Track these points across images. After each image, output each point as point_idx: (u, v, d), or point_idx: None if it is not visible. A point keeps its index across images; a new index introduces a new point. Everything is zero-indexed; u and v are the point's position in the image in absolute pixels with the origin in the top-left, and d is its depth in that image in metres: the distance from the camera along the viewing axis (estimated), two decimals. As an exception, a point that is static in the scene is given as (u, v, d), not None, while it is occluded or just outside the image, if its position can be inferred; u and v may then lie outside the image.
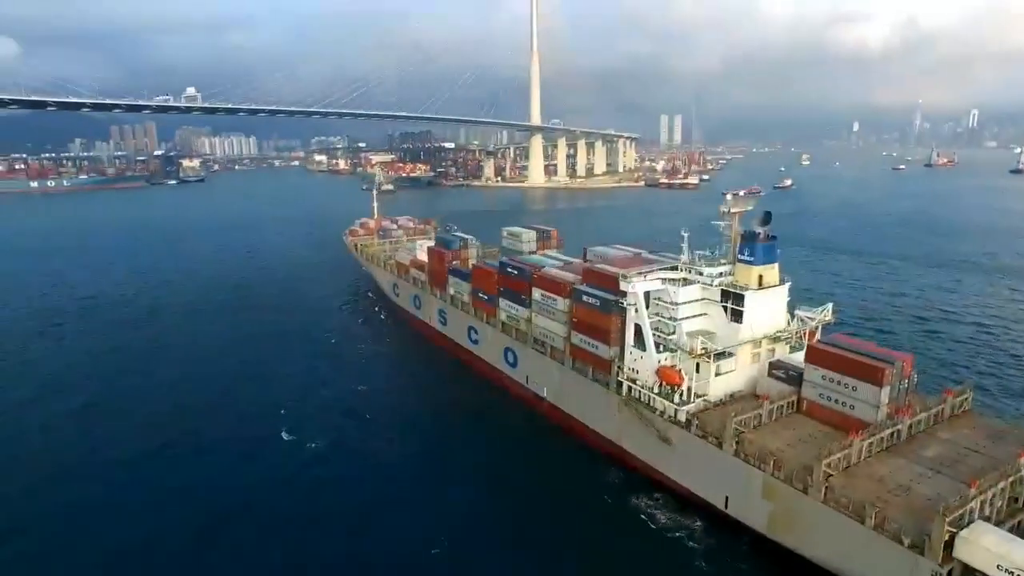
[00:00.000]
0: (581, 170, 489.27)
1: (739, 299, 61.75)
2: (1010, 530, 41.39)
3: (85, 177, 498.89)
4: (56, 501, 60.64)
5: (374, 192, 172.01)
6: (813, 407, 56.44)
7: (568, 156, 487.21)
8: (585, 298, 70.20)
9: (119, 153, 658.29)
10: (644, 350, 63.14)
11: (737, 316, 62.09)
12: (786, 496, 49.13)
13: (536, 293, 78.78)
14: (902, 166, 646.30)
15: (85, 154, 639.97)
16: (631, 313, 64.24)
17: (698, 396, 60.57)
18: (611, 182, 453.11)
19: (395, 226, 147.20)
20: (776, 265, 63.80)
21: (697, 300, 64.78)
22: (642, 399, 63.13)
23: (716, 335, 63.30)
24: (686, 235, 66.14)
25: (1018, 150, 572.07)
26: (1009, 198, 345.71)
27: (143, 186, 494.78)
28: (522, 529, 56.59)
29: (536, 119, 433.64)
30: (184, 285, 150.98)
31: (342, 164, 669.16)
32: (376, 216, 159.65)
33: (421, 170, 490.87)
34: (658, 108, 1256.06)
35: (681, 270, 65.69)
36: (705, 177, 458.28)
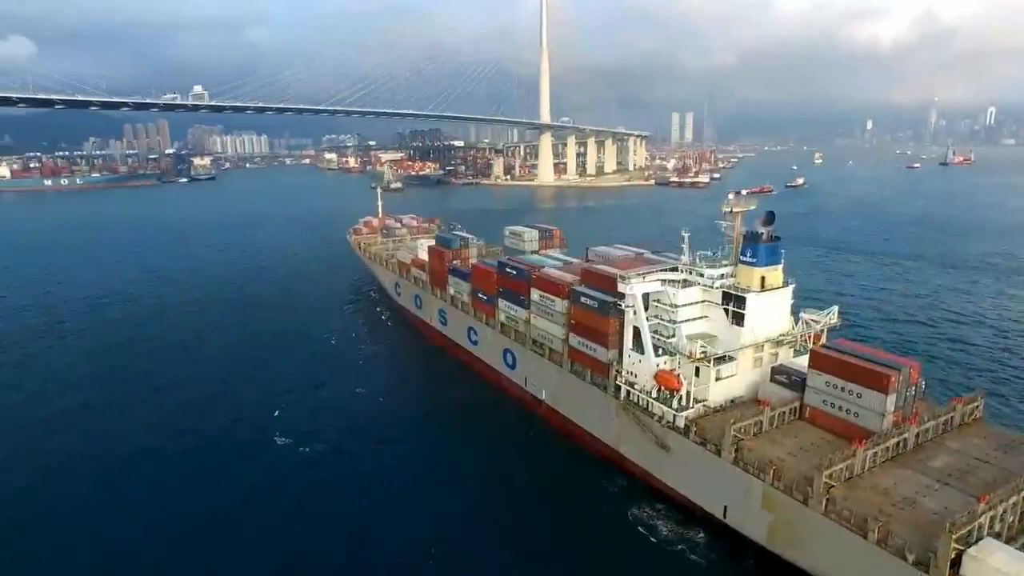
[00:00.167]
0: (591, 168, 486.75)
1: (740, 301, 59.86)
2: (1021, 548, 39.18)
3: (97, 175, 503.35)
4: (53, 501, 60.36)
5: (378, 190, 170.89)
6: (816, 414, 54.44)
7: (578, 154, 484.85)
8: (583, 299, 68.55)
9: (131, 151, 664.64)
10: (642, 353, 61.43)
11: (738, 319, 60.19)
12: (786, 507, 47.30)
13: (534, 294, 77.23)
14: (916, 164, 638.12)
15: (98, 152, 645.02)
16: (629, 315, 62.55)
17: (697, 401, 58.78)
18: (621, 181, 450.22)
19: (399, 225, 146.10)
20: (779, 267, 61.77)
21: (697, 302, 62.98)
22: (640, 404, 61.43)
23: (717, 338, 61.43)
24: (686, 235, 64.24)
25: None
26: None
27: (154, 184, 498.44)
28: (518, 539, 55.16)
29: (546, 117, 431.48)
30: (189, 283, 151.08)
31: (352, 162, 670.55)
32: (380, 214, 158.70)
33: (430, 168, 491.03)
34: (670, 106, 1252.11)
35: (681, 271, 63.87)
36: (716, 176, 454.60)
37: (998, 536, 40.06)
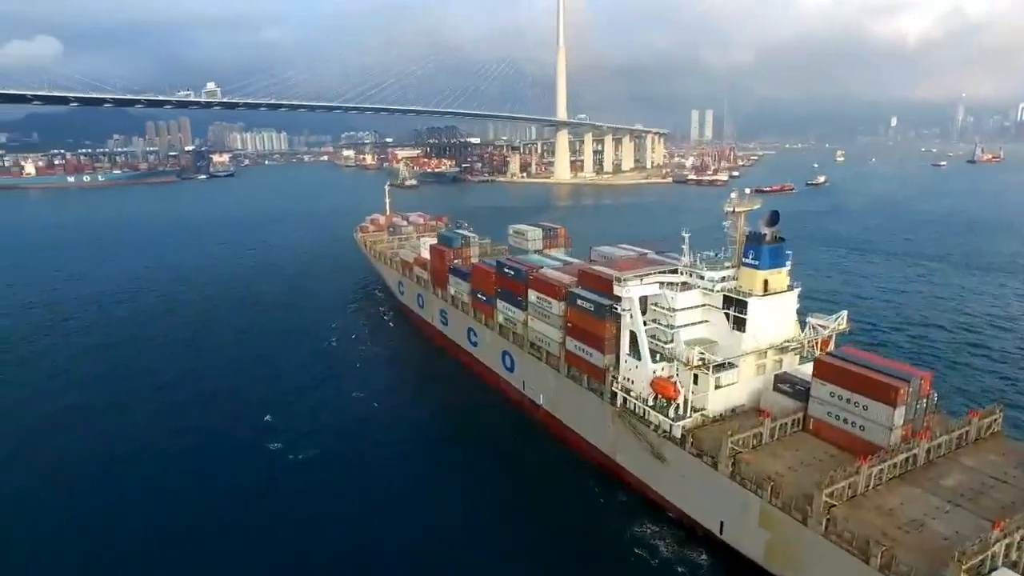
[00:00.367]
0: (608, 166, 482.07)
1: (742, 306, 56.75)
2: (1038, 579, 36.09)
3: (119, 172, 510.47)
4: (53, 500, 59.99)
5: (387, 187, 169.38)
6: (820, 426, 51.41)
7: (595, 152, 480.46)
8: (579, 302, 66.00)
9: (151, 149, 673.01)
10: (639, 359, 58.80)
11: (740, 324, 57.15)
12: (784, 526, 44.50)
13: (532, 295, 74.87)
14: (943, 162, 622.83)
15: (120, 150, 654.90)
16: (626, 319, 59.94)
17: (696, 410, 56.00)
18: (638, 178, 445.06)
19: (405, 222, 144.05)
20: (784, 269, 58.58)
21: (697, 306, 59.99)
22: (636, 412, 58.83)
23: (717, 344, 58.54)
24: (687, 235, 61.26)
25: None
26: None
27: (174, 181, 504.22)
28: (511, 557, 52.97)
29: (562, 114, 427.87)
30: (199, 281, 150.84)
31: (369, 159, 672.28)
32: (388, 212, 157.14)
33: (446, 165, 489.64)
34: (689, 103, 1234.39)
35: (681, 273, 60.91)
36: (735, 174, 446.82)
37: (1014, 566, 36.88)
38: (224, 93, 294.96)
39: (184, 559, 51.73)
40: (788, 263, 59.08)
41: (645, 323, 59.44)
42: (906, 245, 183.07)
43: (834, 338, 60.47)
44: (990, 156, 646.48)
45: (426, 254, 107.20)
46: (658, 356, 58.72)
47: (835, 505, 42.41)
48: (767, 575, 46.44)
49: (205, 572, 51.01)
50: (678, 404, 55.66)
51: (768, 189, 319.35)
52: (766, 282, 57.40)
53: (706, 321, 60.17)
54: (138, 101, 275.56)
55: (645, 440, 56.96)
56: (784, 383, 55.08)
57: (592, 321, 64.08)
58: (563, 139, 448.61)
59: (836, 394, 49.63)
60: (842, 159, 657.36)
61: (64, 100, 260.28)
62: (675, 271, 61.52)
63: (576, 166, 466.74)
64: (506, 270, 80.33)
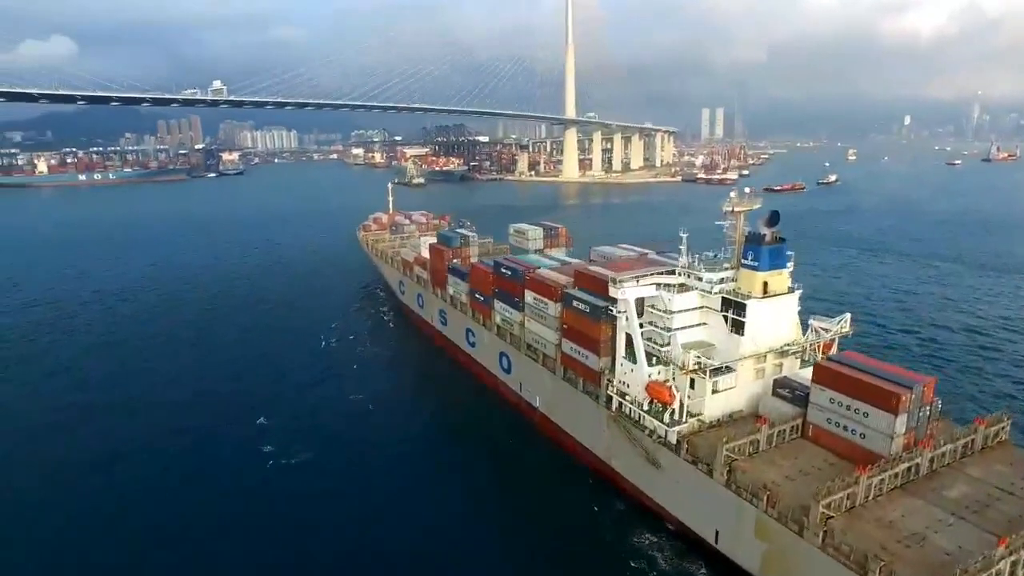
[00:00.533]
0: (617, 164, 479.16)
1: (740, 308, 55.14)
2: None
3: (129, 170, 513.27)
4: (51, 500, 59.79)
5: (390, 186, 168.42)
6: (819, 433, 49.70)
7: (604, 150, 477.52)
8: (575, 303, 64.56)
9: (162, 147, 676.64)
10: (635, 362, 57.25)
11: (738, 327, 55.54)
12: (780, 537, 42.94)
13: (528, 296, 73.55)
14: (957, 161, 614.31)
15: (132, 148, 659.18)
16: (621, 321, 58.39)
17: (692, 415, 54.43)
18: (647, 177, 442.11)
19: (407, 221, 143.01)
20: (785, 271, 56.87)
21: (695, 308, 58.39)
22: (632, 416, 57.40)
23: (715, 347, 56.93)
24: (684, 236, 59.63)
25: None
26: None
27: (184, 179, 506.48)
28: (507, 557, 52.07)
29: (571, 112, 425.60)
30: (204, 279, 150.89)
31: (378, 157, 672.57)
32: (391, 210, 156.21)
33: (454, 164, 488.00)
34: (700, 101, 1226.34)
35: (679, 275, 59.30)
36: (745, 172, 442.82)
37: (1018, 584, 35.22)
38: (231, 91, 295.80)
39: (184, 559, 51.39)
40: (789, 264, 57.39)
41: (641, 325, 57.91)
42: (918, 246, 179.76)
43: (837, 341, 58.69)
44: (1006, 155, 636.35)
45: (426, 253, 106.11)
46: (654, 359, 57.12)
47: (832, 516, 40.81)
48: None
49: (205, 572, 50.64)
50: (674, 409, 54.13)
51: (779, 188, 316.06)
52: (766, 284, 55.75)
53: (704, 324, 58.59)
54: (144, 99, 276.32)
55: (640, 445, 55.54)
56: (783, 388, 53.43)
57: (588, 323, 62.67)
58: (572, 137, 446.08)
59: (836, 400, 47.92)
60: (854, 158, 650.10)
61: (71, 99, 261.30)
62: (672, 272, 59.89)
63: (585, 164, 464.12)
64: (503, 270, 79.05)
